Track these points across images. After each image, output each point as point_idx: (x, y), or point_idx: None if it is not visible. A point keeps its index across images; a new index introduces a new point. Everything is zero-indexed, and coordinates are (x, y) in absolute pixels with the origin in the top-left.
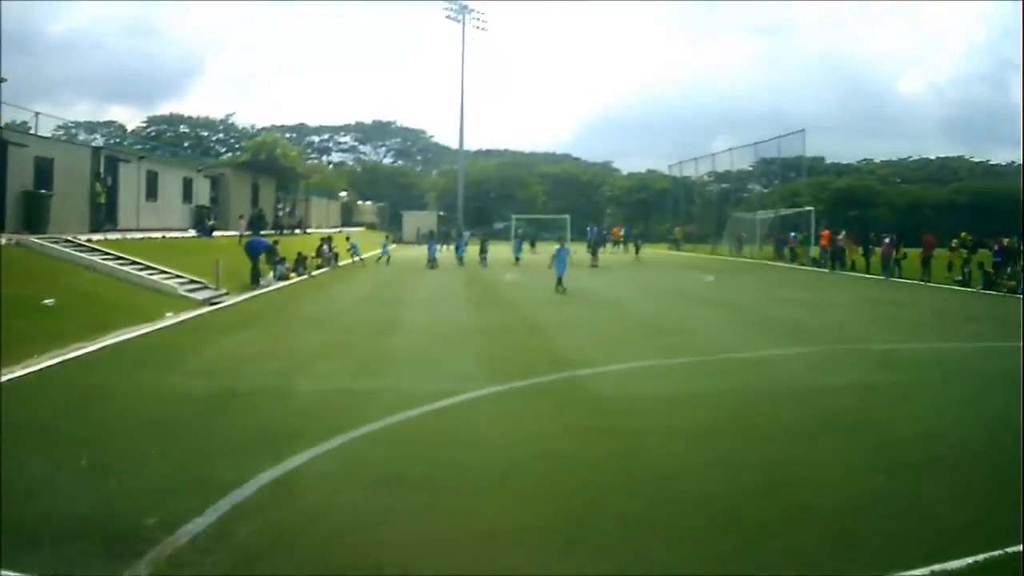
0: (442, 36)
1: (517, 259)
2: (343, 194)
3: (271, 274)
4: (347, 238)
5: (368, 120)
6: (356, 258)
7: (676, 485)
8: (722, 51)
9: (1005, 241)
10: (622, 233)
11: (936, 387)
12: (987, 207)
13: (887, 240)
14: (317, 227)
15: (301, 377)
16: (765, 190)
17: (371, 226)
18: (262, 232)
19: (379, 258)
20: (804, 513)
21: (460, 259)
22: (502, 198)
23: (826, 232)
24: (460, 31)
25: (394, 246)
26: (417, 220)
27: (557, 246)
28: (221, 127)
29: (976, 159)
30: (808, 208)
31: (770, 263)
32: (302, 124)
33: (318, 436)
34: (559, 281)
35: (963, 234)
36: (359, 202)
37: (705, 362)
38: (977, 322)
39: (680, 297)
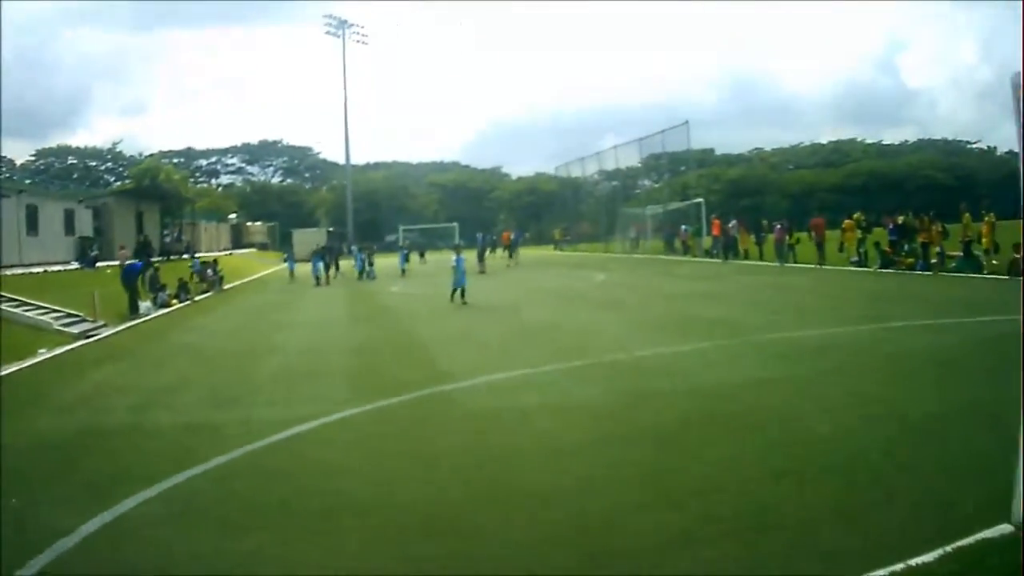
0: (324, 53)
1: (403, 271)
2: (232, 216)
3: (149, 302)
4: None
5: (255, 140)
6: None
7: (536, 506)
8: (607, 51)
9: (900, 219)
10: (512, 237)
11: (845, 376)
12: (881, 187)
13: (779, 226)
14: (207, 250)
15: (161, 410)
16: (656, 185)
17: (262, 246)
18: (150, 260)
19: (290, 275)
20: (692, 532)
21: (359, 273)
22: (392, 210)
23: (716, 221)
24: (340, 46)
25: (284, 264)
26: (307, 237)
27: (455, 256)
28: (109, 156)
29: (869, 141)
30: (698, 200)
31: (663, 257)
32: (189, 148)
33: (161, 474)
34: (462, 292)
35: (856, 215)
36: (248, 223)
37: (591, 366)
38: (885, 302)
39: (568, 298)
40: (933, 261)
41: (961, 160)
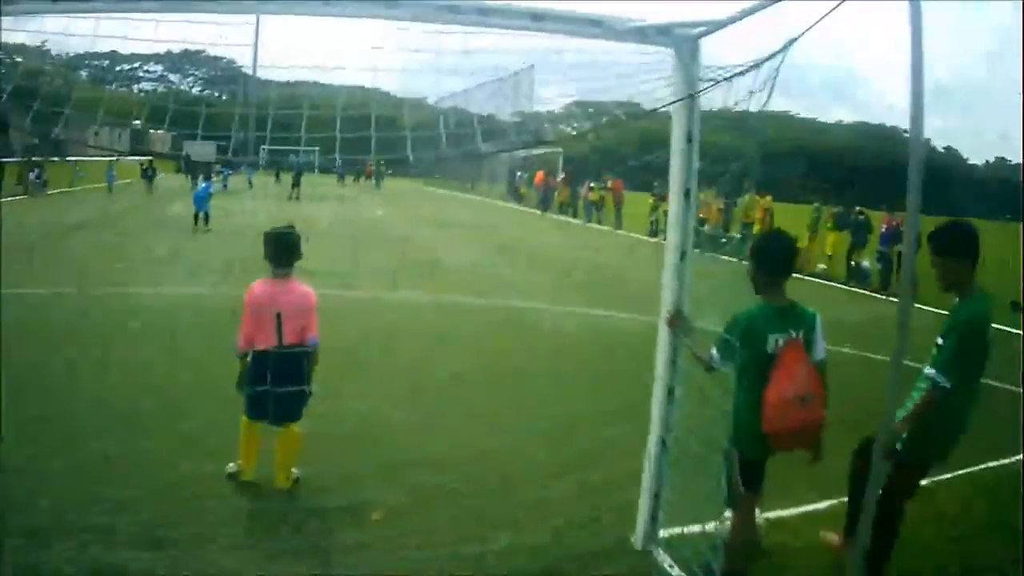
0: None
1: (225, 187)
2: (136, 122)
3: None
4: None
5: (177, 49)
6: None
7: None
8: None
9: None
10: (373, 169)
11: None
12: (798, 161)
13: (588, 185)
14: (92, 155)
15: None
16: (572, 131)
17: (159, 155)
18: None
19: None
20: None
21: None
22: (286, 129)
23: (540, 173)
24: None
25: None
26: (198, 149)
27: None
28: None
29: (803, 116)
30: (557, 150)
31: (498, 203)
32: (114, 51)
33: None
34: (205, 218)
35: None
36: (152, 131)
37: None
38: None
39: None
40: None
41: (887, 146)
